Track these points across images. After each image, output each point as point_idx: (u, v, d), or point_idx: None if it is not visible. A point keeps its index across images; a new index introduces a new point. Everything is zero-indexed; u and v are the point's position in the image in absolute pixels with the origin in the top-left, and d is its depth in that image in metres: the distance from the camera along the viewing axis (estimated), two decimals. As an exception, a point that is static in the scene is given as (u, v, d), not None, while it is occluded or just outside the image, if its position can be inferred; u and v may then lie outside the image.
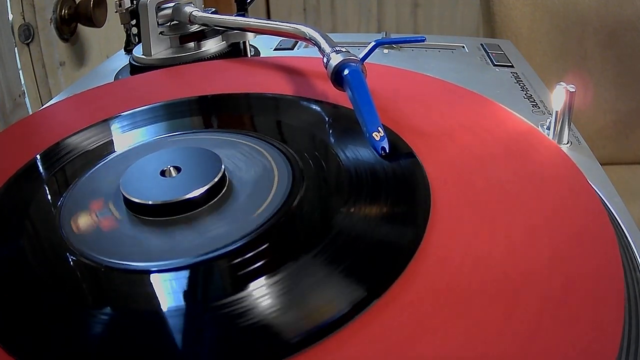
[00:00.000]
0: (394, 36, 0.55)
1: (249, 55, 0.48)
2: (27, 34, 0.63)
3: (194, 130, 0.32)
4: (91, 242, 0.23)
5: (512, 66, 0.48)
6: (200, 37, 0.46)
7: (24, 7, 0.62)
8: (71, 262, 0.22)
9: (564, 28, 0.72)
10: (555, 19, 0.72)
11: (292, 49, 0.54)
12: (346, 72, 0.30)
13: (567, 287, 0.18)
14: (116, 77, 0.48)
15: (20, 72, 0.62)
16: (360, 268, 0.20)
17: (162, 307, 0.19)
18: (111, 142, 0.31)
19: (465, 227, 0.22)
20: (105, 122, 0.34)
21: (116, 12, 0.54)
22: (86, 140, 0.32)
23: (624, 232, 0.25)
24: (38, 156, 0.30)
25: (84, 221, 0.24)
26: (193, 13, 0.44)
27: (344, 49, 0.32)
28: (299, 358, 0.17)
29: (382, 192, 0.24)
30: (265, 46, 0.54)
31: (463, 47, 0.53)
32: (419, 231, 0.21)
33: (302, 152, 0.28)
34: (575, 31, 0.72)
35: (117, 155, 0.30)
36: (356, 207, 0.23)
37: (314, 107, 0.33)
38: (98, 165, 0.29)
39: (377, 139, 0.26)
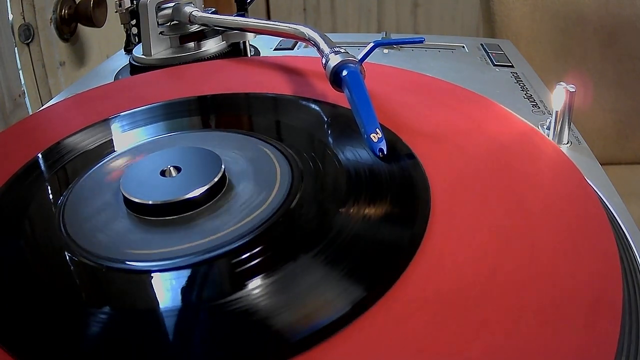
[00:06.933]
0: (393, 36, 0.55)
1: (249, 55, 0.48)
2: (27, 34, 0.63)
3: (194, 130, 0.32)
4: (91, 242, 0.23)
5: (512, 66, 0.48)
6: (200, 37, 0.46)
7: (24, 7, 0.62)
8: (71, 262, 0.22)
9: (564, 28, 0.72)
10: (555, 19, 0.72)
11: (292, 49, 0.54)
12: (344, 73, 0.30)
13: (566, 288, 0.18)
14: (116, 77, 0.48)
15: (20, 72, 0.62)
16: (360, 268, 0.20)
17: (161, 307, 0.19)
18: (111, 142, 0.31)
19: (465, 227, 0.22)
20: (106, 121, 0.34)
21: (116, 12, 0.54)
22: (86, 140, 0.32)
23: (624, 232, 0.25)
24: (39, 155, 0.30)
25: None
26: (193, 13, 0.44)
27: (342, 50, 0.32)
28: (299, 358, 0.17)
29: (381, 192, 0.24)
30: (265, 46, 0.54)
31: (463, 47, 0.53)
32: (418, 231, 0.21)
33: (302, 152, 0.28)
34: (575, 31, 0.72)
35: (117, 155, 0.30)
36: (356, 207, 0.23)
37: (314, 107, 0.33)
38: (98, 165, 0.29)
39: (375, 140, 0.26)
